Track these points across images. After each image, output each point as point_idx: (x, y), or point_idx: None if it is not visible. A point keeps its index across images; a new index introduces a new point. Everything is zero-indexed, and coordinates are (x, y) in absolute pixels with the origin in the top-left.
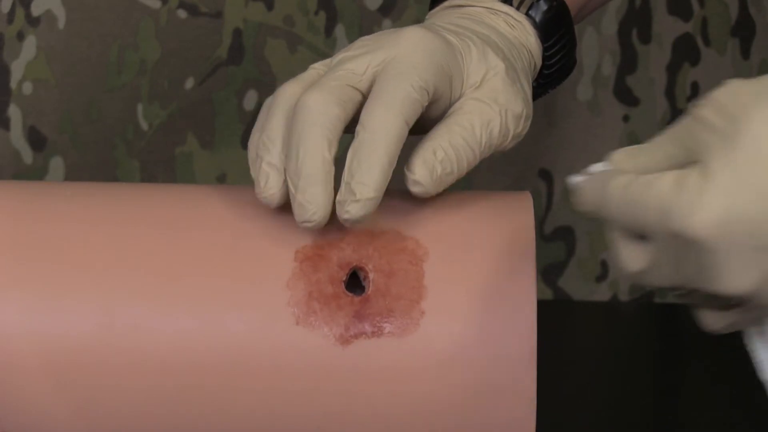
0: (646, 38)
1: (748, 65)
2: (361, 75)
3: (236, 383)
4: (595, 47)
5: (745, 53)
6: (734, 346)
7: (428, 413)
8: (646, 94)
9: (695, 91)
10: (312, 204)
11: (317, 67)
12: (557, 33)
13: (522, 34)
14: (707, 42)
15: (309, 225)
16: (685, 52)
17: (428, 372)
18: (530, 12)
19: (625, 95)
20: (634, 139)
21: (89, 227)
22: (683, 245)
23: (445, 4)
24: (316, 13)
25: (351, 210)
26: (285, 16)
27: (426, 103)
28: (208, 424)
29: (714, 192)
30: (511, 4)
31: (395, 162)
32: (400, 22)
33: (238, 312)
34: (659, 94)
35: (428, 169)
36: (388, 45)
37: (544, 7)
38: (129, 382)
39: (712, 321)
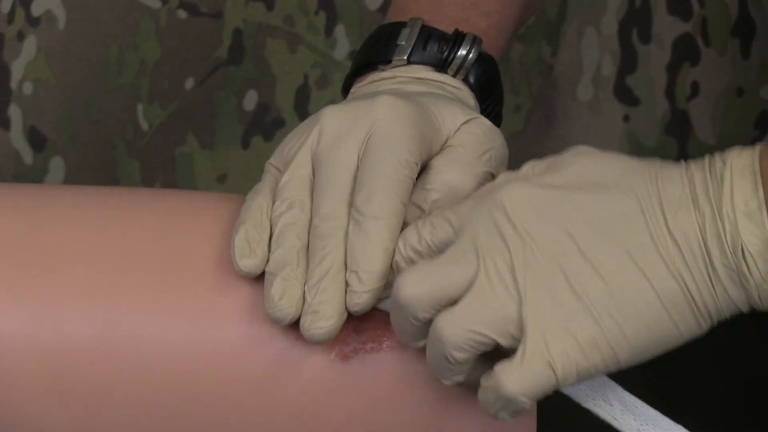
0: (646, 38)
1: (748, 65)
2: (355, 163)
3: (235, 397)
4: (595, 47)
5: (745, 53)
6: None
7: (428, 426)
8: (646, 94)
9: (695, 91)
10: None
11: (273, 165)
12: (492, 92)
13: (462, 99)
14: (707, 42)
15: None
16: (685, 52)
17: (425, 385)
18: (467, 77)
19: (625, 95)
20: (633, 139)
21: (90, 235)
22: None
23: (372, 77)
24: (316, 13)
25: (361, 302)
26: (285, 16)
27: (416, 175)
28: None
29: None
30: (445, 72)
31: (395, 241)
32: None
33: (237, 325)
34: (659, 94)
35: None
36: (363, 118)
37: (479, 70)
38: (129, 393)
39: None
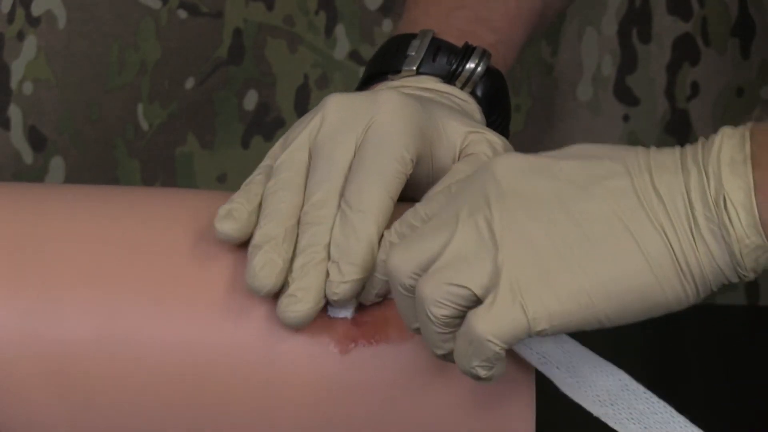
0: (646, 38)
1: (748, 65)
2: (352, 155)
3: (235, 391)
4: (595, 47)
5: (745, 53)
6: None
7: (427, 419)
8: (646, 94)
9: (695, 91)
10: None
11: (271, 160)
12: (499, 105)
13: (469, 111)
14: (707, 42)
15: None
16: (685, 52)
17: (427, 378)
18: (475, 90)
19: (625, 95)
20: (634, 139)
21: (89, 233)
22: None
23: (380, 87)
24: (316, 13)
25: (339, 291)
26: (285, 16)
27: (410, 172)
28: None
29: None
30: (453, 84)
31: (381, 235)
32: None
33: (236, 320)
34: (659, 94)
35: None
36: (365, 111)
37: (487, 84)
38: (128, 390)
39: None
